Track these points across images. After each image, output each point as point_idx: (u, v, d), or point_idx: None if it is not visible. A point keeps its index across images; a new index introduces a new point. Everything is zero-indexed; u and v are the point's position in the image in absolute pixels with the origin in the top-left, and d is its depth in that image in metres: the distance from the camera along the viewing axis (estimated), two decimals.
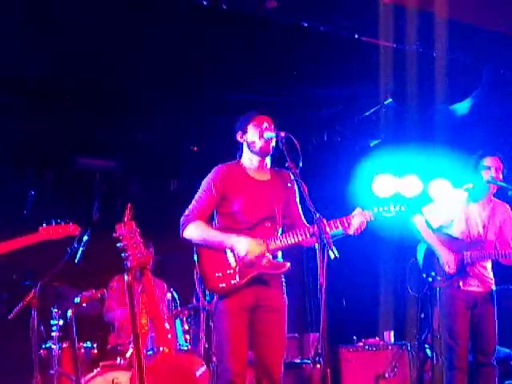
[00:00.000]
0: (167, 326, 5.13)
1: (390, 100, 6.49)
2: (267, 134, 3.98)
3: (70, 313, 4.08)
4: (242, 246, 3.84)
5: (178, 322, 5.53)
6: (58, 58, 5.38)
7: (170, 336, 5.10)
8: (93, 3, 4.74)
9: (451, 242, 5.16)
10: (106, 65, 5.58)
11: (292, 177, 4.09)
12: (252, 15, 4.90)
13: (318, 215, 3.64)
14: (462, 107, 6.70)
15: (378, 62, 5.75)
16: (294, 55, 5.73)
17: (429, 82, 6.00)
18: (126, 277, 3.09)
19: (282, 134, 3.89)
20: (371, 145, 7.48)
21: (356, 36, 5.35)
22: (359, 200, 6.88)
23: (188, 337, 5.54)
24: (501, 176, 5.10)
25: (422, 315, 6.53)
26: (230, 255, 3.90)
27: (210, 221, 4.06)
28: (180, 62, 5.59)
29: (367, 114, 6.90)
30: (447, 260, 5.05)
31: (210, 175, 4.07)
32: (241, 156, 4.15)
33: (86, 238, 4.82)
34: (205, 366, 3.86)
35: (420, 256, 5.29)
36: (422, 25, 5.24)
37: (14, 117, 6.14)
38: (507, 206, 5.30)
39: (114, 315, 6.04)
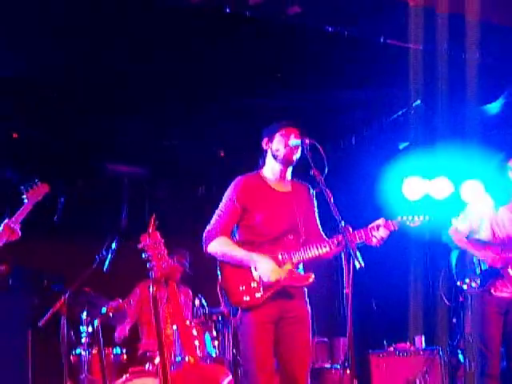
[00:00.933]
0: (195, 332, 5.14)
1: (419, 102, 6.41)
2: (292, 142, 3.95)
3: (96, 323, 4.11)
4: (263, 270, 3.79)
5: None
6: (83, 66, 5.44)
7: (197, 343, 5.13)
8: (113, 6, 4.74)
9: (482, 247, 5.09)
10: (133, 71, 5.62)
11: (311, 190, 4.07)
12: (277, 21, 4.89)
13: (343, 224, 3.61)
14: (494, 107, 6.59)
15: (406, 63, 5.68)
16: (321, 58, 5.69)
17: (459, 82, 5.91)
18: (150, 288, 3.12)
19: (307, 141, 3.86)
20: (400, 147, 7.41)
21: (384, 39, 5.29)
22: (389, 203, 6.89)
23: (216, 343, 5.54)
24: None
25: (454, 320, 6.46)
26: (253, 268, 3.85)
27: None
28: (206, 69, 5.59)
29: (395, 116, 6.83)
30: (485, 256, 5.00)
31: (230, 188, 4.02)
32: (264, 163, 4.12)
33: (114, 245, 4.83)
34: (230, 376, 3.85)
35: (452, 264, 5.22)
36: (451, 26, 5.16)
37: (40, 124, 6.22)
38: None
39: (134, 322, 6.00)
